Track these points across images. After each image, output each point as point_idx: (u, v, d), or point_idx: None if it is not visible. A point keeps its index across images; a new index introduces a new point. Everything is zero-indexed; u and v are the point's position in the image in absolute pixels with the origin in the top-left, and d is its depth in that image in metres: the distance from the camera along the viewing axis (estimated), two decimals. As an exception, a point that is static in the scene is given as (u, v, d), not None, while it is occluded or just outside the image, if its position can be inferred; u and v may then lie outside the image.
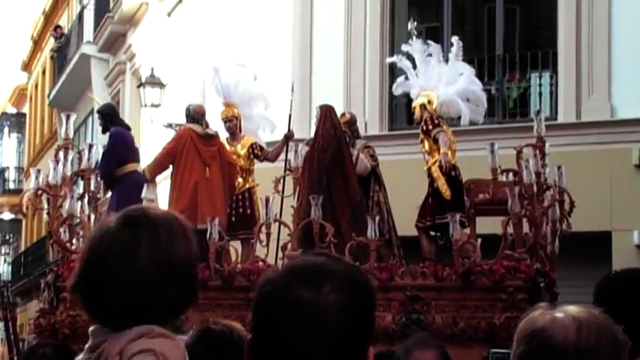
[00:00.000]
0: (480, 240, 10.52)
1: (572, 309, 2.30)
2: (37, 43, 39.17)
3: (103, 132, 12.01)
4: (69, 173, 10.50)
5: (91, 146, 10.79)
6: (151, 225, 2.26)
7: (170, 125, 13.83)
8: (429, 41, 11.81)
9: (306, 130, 14.39)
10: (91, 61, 26.99)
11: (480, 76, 15.07)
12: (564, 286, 10.90)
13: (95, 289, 2.27)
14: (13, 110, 45.74)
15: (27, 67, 42.01)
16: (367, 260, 9.99)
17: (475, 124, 12.52)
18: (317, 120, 11.12)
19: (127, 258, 2.22)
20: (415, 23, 12.16)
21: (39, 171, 10.49)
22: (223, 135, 12.03)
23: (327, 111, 11.09)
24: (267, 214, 10.19)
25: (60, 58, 31.39)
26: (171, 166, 11.27)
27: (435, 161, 10.87)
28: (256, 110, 12.43)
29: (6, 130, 44.04)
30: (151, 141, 19.34)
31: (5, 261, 40.81)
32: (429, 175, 10.96)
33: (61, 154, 10.47)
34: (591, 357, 2.23)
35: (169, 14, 21.58)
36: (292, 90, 12.14)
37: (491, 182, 10.26)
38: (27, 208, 10.49)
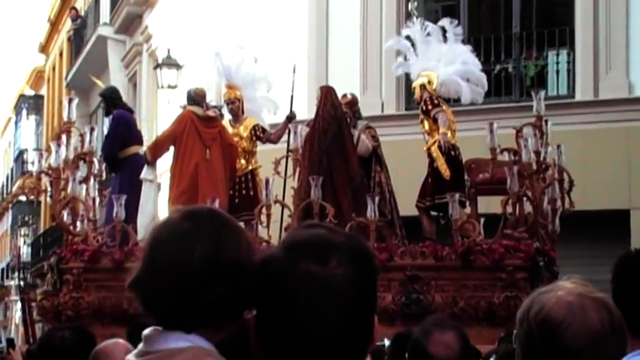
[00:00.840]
0: (483, 219, 10.56)
1: (569, 285, 2.31)
2: (54, 25, 39.15)
3: (106, 115, 12.10)
4: (71, 156, 10.59)
5: (92, 129, 10.85)
6: (212, 222, 2.23)
7: (186, 106, 13.82)
8: (428, 22, 11.78)
9: None
10: (108, 42, 26.93)
11: (496, 54, 15.25)
12: (581, 264, 10.94)
13: (151, 281, 2.19)
14: (30, 92, 45.83)
15: (44, 49, 42.05)
16: (367, 240, 10.00)
17: (488, 103, 12.55)
18: (317, 101, 11.14)
19: (184, 249, 2.17)
20: (415, 4, 12.13)
21: (41, 154, 10.58)
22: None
23: (327, 92, 11.12)
24: (267, 195, 10.23)
25: (77, 39, 31.39)
26: (172, 148, 11.31)
27: (435, 141, 10.90)
28: (259, 92, 12.47)
29: (24, 112, 44.21)
30: (167, 122, 19.38)
31: (25, 242, 40.99)
32: (429, 155, 11.00)
33: (64, 137, 10.57)
34: (598, 335, 2.22)
35: None
36: (294, 71, 12.15)
37: (491, 162, 10.26)
38: (29, 190, 10.53)
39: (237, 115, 12.10)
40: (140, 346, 2.21)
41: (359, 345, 2.00)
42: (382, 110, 14.34)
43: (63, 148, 10.53)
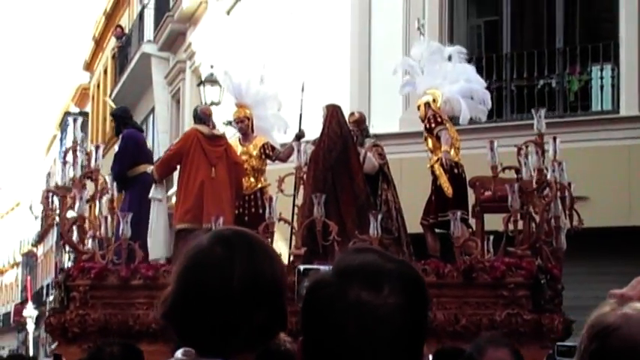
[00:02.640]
0: (492, 237, 10.58)
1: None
2: (99, 43, 39.77)
3: (117, 134, 12.26)
4: (78, 175, 10.74)
5: (97, 147, 11.00)
6: (244, 245, 2.21)
7: (230, 123, 13.90)
8: (433, 41, 11.87)
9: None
10: (152, 60, 27.36)
11: (540, 69, 15.28)
12: (622, 281, 10.94)
13: (188, 308, 2.17)
14: (75, 110, 46.42)
15: (89, 66, 42.69)
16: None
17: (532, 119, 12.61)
18: (323, 119, 11.21)
19: (222, 275, 2.14)
20: (423, 21, 12.21)
21: (49, 173, 10.71)
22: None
23: (333, 111, 11.20)
24: (270, 213, 10.30)
25: (121, 57, 31.91)
26: (178, 167, 11.44)
27: (438, 159, 10.94)
28: (270, 111, 12.57)
29: (69, 129, 44.82)
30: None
31: (69, 259, 41.46)
32: (432, 172, 11.04)
33: (70, 155, 10.73)
34: None
35: (228, 12, 21.89)
36: (302, 90, 12.23)
37: (492, 179, 10.29)
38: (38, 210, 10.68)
39: (247, 133, 12.19)
40: None
41: None
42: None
43: (70, 167, 10.70)
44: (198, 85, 18.98)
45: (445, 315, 9.91)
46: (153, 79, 27.11)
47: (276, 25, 18.22)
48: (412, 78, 11.80)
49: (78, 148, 10.94)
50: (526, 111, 15.16)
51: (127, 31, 32.43)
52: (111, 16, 37.19)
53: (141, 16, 29.78)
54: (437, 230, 11.24)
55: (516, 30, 16.53)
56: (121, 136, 12.12)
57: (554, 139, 10.81)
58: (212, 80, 17.48)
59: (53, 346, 13.76)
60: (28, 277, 50.12)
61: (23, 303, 47.50)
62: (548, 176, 10.41)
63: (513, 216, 9.95)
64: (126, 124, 12.26)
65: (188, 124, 23.07)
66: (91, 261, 10.64)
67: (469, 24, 17.09)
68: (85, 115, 43.89)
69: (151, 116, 28.12)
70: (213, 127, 11.67)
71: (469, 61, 15.62)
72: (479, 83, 11.62)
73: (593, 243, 14.25)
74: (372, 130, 14.96)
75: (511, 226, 10.11)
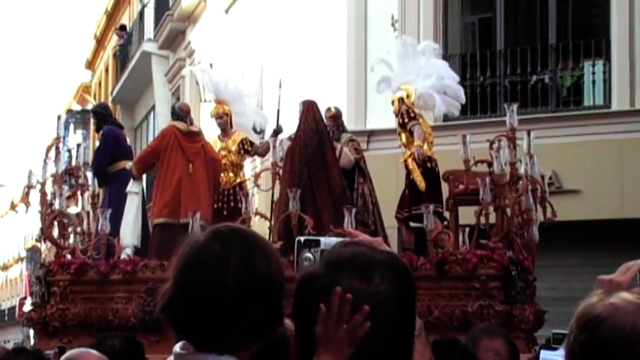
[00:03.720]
0: (467, 229, 10.73)
1: (626, 295, 2.22)
2: (100, 42, 40.12)
3: (97, 131, 12.43)
4: (60, 171, 10.90)
5: (79, 145, 11.18)
6: (240, 241, 2.23)
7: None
8: (407, 36, 12.02)
9: (361, 123, 15.33)
10: (152, 58, 27.75)
11: (533, 65, 15.54)
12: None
13: (185, 304, 2.19)
14: (77, 107, 46.65)
15: (90, 65, 43.02)
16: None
17: (525, 114, 13.19)
18: (299, 115, 11.37)
19: (217, 271, 2.17)
20: (396, 19, 12.38)
21: (31, 170, 10.87)
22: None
23: (309, 106, 11.35)
24: (246, 207, 10.47)
25: (122, 55, 32.23)
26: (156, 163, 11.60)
27: (411, 154, 11.11)
28: (248, 107, 12.75)
29: (71, 126, 45.03)
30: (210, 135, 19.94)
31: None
32: (406, 167, 11.20)
33: (53, 152, 10.89)
34: None
35: (227, 11, 22.30)
36: (280, 86, 12.41)
37: (465, 173, 10.45)
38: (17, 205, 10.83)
39: (226, 129, 12.37)
40: None
41: (401, 356, 2.04)
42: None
43: (51, 163, 10.86)
44: (198, 82, 19.20)
45: (418, 306, 9.83)
46: (153, 77, 27.44)
47: (273, 23, 18.53)
48: (387, 74, 11.96)
49: (60, 145, 11.14)
50: (520, 106, 15.44)
51: (127, 30, 32.69)
52: (112, 15, 37.52)
53: (141, 15, 30.14)
54: (412, 223, 11.40)
55: (510, 27, 16.76)
56: (101, 133, 12.27)
57: (529, 132, 10.93)
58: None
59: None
60: (27, 274, 50.24)
61: (24, 298, 47.64)
62: (521, 170, 10.59)
63: (484, 209, 10.09)
64: (106, 121, 12.41)
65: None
66: (72, 256, 10.83)
67: (463, 21, 17.33)
68: (86, 112, 44.16)
69: (152, 113, 28.43)
70: (191, 123, 11.83)
71: (463, 57, 15.95)
72: (452, 79, 11.78)
73: (586, 235, 14.57)
74: (369, 126, 15.22)
75: (483, 219, 10.24)
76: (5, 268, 71.94)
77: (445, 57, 15.55)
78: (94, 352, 4.03)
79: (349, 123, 14.55)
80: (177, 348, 2.25)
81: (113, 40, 35.44)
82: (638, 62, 15.16)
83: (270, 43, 18.42)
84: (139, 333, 9.35)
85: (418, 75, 11.55)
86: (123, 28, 32.87)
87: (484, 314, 9.87)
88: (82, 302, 10.65)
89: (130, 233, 11.26)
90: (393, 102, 11.70)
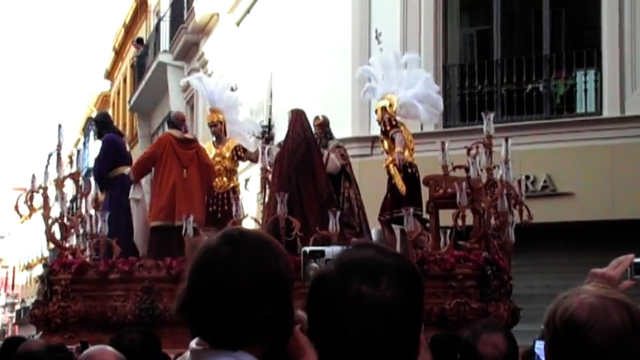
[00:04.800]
0: (449, 231, 11.25)
1: (595, 290, 2.35)
2: (119, 53, 41.26)
3: (98, 138, 12.96)
4: (61, 176, 11.48)
5: (79, 152, 11.76)
6: (250, 244, 2.30)
7: (263, 127, 14.52)
8: (384, 48, 12.58)
9: (365, 129, 15.87)
10: (168, 68, 28.69)
11: (528, 74, 16.23)
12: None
13: (199, 304, 2.27)
14: (97, 115, 47.53)
15: (110, 75, 44.24)
16: (329, 252, 10.71)
17: (520, 120, 14.41)
18: (288, 124, 11.93)
19: (229, 273, 2.24)
20: (380, 33, 12.94)
21: (34, 175, 11.43)
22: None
23: (297, 115, 11.91)
24: (237, 211, 11.03)
25: (139, 66, 33.18)
26: (153, 168, 12.17)
27: (392, 160, 11.67)
28: (242, 115, 13.34)
29: (91, 133, 45.81)
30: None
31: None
32: (388, 172, 11.76)
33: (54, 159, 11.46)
34: (620, 334, 2.25)
35: (238, 24, 23.40)
36: (271, 97, 13.01)
37: (442, 177, 10.99)
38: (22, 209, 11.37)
39: (220, 136, 12.98)
40: (187, 357, 2.36)
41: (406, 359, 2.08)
42: (421, 128, 15.25)
43: (53, 169, 11.45)
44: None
45: (398, 304, 10.55)
46: (168, 86, 28.29)
47: (281, 35, 19.37)
48: (372, 84, 12.53)
49: (62, 151, 11.70)
50: (516, 113, 16.07)
51: (144, 42, 33.54)
52: (130, 28, 38.56)
53: (157, 28, 31.28)
54: (393, 225, 11.95)
55: (506, 38, 17.36)
56: (102, 140, 12.80)
57: (506, 139, 11.44)
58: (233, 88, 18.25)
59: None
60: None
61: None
62: (501, 175, 11.10)
63: (461, 212, 10.62)
64: (107, 129, 12.94)
65: (202, 127, 24.12)
66: (73, 257, 11.39)
67: (462, 33, 18.02)
68: (106, 120, 45.21)
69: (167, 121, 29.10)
70: (186, 131, 12.40)
71: (462, 67, 16.54)
72: (432, 89, 12.34)
73: (579, 235, 15.15)
74: (373, 132, 15.80)
75: (460, 222, 10.77)
76: (29, 267, 72.81)
77: (445, 67, 16.45)
78: (110, 349, 4.15)
79: (354, 129, 15.25)
80: (193, 344, 2.33)
81: (131, 52, 36.40)
82: (628, 71, 15.75)
83: (278, 54, 19.24)
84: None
85: (400, 85, 12.10)
86: (140, 41, 33.79)
87: (461, 311, 10.33)
88: (82, 300, 11.14)
89: (141, 241, 11.82)
90: (376, 111, 12.27)
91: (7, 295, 76.33)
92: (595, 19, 16.53)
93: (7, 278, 77.90)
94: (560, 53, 16.67)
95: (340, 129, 13.96)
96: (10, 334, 56.17)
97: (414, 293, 2.08)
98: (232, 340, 2.25)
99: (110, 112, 43.67)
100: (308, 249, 2.70)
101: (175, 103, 27.19)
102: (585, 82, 16.44)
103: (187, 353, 2.35)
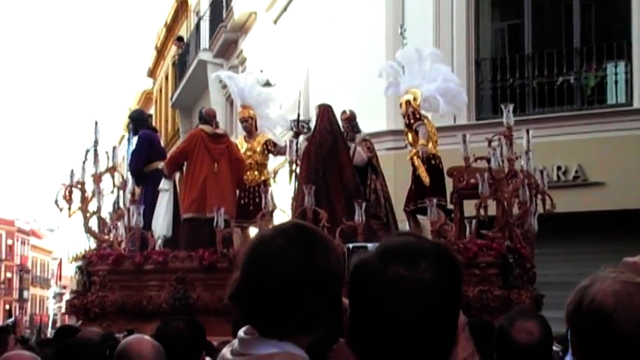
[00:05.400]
0: (474, 221, 11.53)
1: (617, 275, 2.36)
2: (161, 52, 42.01)
3: (134, 134, 13.37)
4: (98, 172, 11.91)
5: (115, 148, 12.16)
6: (303, 237, 2.33)
7: (292, 121, 14.79)
8: (418, 44, 12.88)
9: (400, 122, 15.76)
10: (208, 66, 29.25)
11: (559, 67, 16.54)
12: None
13: (250, 293, 2.30)
14: (140, 113, 48.31)
15: (152, 73, 45.06)
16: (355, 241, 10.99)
17: (552, 112, 14.84)
18: (316, 118, 12.27)
19: (279, 264, 2.26)
20: (405, 29, 13.23)
21: (72, 171, 11.87)
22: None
23: (324, 110, 12.26)
24: (266, 203, 11.39)
25: (180, 64, 33.90)
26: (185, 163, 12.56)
27: (416, 152, 11.98)
28: (272, 110, 13.72)
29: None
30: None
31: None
32: (412, 164, 12.07)
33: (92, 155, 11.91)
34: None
35: (275, 22, 23.92)
36: (300, 94, 13.36)
37: (464, 169, 11.27)
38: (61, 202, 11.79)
39: (251, 131, 13.38)
40: (235, 344, 2.37)
41: (443, 343, 2.11)
42: (455, 120, 15.59)
43: (91, 165, 11.89)
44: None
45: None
46: (209, 83, 28.70)
47: (317, 33, 19.80)
48: (395, 79, 12.85)
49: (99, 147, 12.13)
50: (547, 105, 16.32)
51: (185, 40, 34.12)
52: (171, 27, 39.22)
53: (197, 26, 31.89)
54: (418, 216, 12.26)
55: (537, 32, 17.57)
56: (137, 137, 13.22)
57: (527, 131, 11.72)
58: (263, 84, 18.65)
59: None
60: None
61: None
62: (524, 166, 11.36)
63: (483, 202, 10.91)
64: (142, 126, 13.37)
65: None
66: (110, 249, 11.82)
67: (493, 27, 18.28)
68: (149, 116, 45.80)
69: (209, 117, 29.62)
70: (217, 126, 12.77)
71: (494, 60, 16.81)
72: (454, 82, 12.64)
73: (609, 225, 15.41)
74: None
75: (482, 212, 11.06)
76: (77, 259, 74.02)
77: (477, 61, 16.72)
78: (147, 338, 4.28)
79: (389, 123, 15.54)
80: (241, 332, 2.36)
81: (172, 50, 37.01)
82: (658, 63, 15.91)
83: (314, 51, 19.72)
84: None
85: (423, 79, 12.41)
86: (180, 39, 34.38)
87: (483, 299, 10.54)
88: (119, 290, 11.55)
89: (160, 225, 12.21)
90: (400, 104, 12.59)
91: (58, 285, 77.72)
92: (625, 11, 16.73)
93: (60, 269, 79.11)
94: (591, 46, 16.86)
95: (375, 123, 14.34)
96: (59, 323, 57.06)
97: (451, 278, 2.11)
98: (280, 330, 2.28)
99: (153, 109, 44.52)
100: (352, 245, 2.87)
101: (215, 100, 27.66)
102: (615, 74, 16.66)
103: (235, 341, 2.38)
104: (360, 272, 2.12)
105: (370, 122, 13.86)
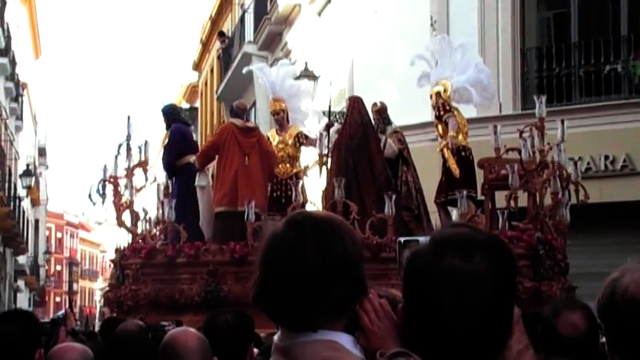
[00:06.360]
0: (506, 212, 11.49)
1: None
2: (206, 45, 42.32)
3: (167, 128, 13.43)
4: (131, 166, 11.99)
5: (146, 143, 12.23)
6: (314, 227, 2.31)
7: (323, 113, 15.00)
8: (444, 35, 12.82)
9: None
10: (252, 59, 29.10)
11: (606, 55, 16.50)
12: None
13: (272, 292, 2.29)
14: (186, 105, 48.73)
15: (197, 66, 45.43)
16: (385, 233, 11.02)
17: (599, 101, 14.97)
18: (346, 110, 12.29)
19: (295, 258, 2.26)
20: (435, 20, 13.20)
21: (105, 165, 11.98)
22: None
23: (354, 102, 12.28)
24: (296, 196, 11.44)
25: (225, 57, 33.96)
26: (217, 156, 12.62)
27: (446, 143, 11.96)
28: (303, 103, 13.74)
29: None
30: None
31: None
32: (442, 155, 12.06)
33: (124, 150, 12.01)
34: None
35: (319, 13, 24.07)
36: (330, 85, 13.38)
37: (495, 160, 11.24)
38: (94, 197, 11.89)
39: (283, 124, 13.41)
40: (276, 339, 2.37)
41: (499, 334, 2.14)
42: (500, 111, 15.66)
43: (123, 159, 11.99)
44: (295, 79, 20.22)
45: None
46: (254, 75, 28.72)
47: (361, 25, 19.85)
48: (427, 70, 12.83)
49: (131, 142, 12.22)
50: (594, 94, 16.24)
51: (229, 34, 34.55)
52: (216, 20, 39.47)
53: (242, 19, 31.95)
54: (449, 207, 12.26)
55: (583, 20, 17.43)
56: (169, 131, 13.30)
57: (562, 122, 11.64)
58: (306, 75, 18.63)
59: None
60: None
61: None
62: (555, 157, 11.30)
63: (513, 193, 10.88)
64: (174, 120, 13.41)
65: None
66: (144, 242, 11.91)
67: (539, 16, 18.20)
68: (195, 110, 46.25)
69: (253, 109, 29.80)
70: (247, 120, 12.83)
71: (539, 49, 16.75)
72: (484, 73, 12.59)
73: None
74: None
75: (513, 203, 11.01)
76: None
77: (523, 50, 16.69)
78: (192, 330, 4.26)
79: (425, 115, 15.48)
80: (275, 338, 2.37)
81: (217, 44, 37.20)
82: None
83: (358, 42, 19.78)
84: (203, 310, 10.38)
85: (454, 71, 12.38)
86: (222, 34, 34.50)
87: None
88: (151, 283, 11.64)
89: (207, 227, 12.30)
90: (431, 96, 12.57)
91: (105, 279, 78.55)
92: (674, -3, 16.55)
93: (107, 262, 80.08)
94: (638, 34, 16.74)
95: (420, 114, 14.21)
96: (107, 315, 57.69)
97: (505, 270, 2.12)
98: (310, 322, 2.27)
99: (198, 102, 44.80)
100: (403, 239, 2.84)
101: (260, 92, 27.77)
102: (664, 62, 16.47)
103: (276, 336, 2.38)
104: (414, 264, 2.15)
105: (415, 113, 13.85)
